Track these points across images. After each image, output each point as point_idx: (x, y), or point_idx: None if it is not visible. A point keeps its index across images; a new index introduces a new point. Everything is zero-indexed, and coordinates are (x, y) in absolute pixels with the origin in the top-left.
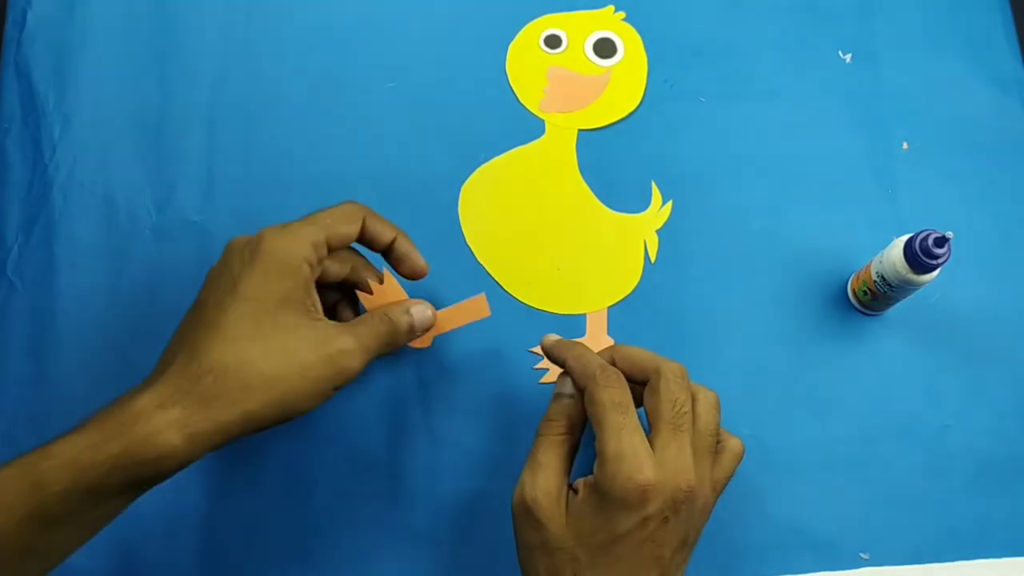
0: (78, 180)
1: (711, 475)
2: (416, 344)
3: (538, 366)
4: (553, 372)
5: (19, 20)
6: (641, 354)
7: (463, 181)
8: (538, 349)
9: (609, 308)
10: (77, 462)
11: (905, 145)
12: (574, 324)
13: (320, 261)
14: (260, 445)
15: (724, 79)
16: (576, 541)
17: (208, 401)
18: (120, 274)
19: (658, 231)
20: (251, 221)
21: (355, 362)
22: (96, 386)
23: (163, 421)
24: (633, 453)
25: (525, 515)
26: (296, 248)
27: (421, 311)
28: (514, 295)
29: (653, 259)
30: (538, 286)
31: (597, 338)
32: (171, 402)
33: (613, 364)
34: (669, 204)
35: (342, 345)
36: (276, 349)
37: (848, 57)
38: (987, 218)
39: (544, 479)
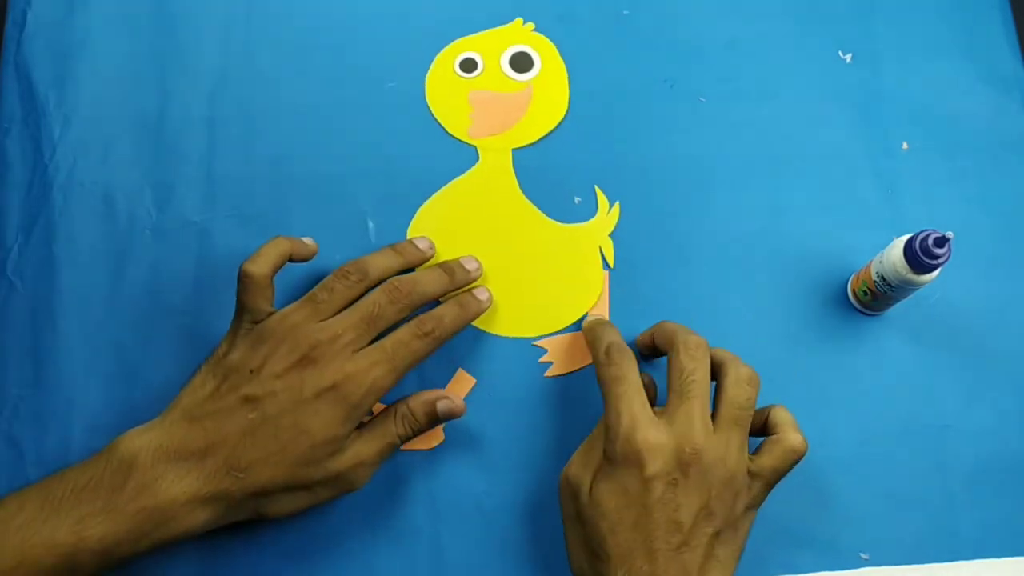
0: (78, 180)
1: (746, 452)
2: (421, 446)
3: (543, 359)
4: (558, 365)
5: (19, 20)
6: (669, 328)
7: (407, 224)
8: (543, 343)
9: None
10: (113, 553)
11: (905, 145)
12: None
13: None
14: None
15: (724, 79)
16: (596, 510)
17: (235, 508)
18: (120, 274)
19: (612, 234)
20: (251, 221)
21: (361, 483)
22: (96, 386)
23: (199, 519)
24: (631, 416)
25: (564, 488)
26: (369, 401)
27: (446, 405)
28: (482, 328)
29: (612, 264)
30: (504, 314)
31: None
32: (206, 502)
33: (652, 339)
34: (616, 206)
35: (350, 477)
36: (299, 486)
37: (848, 57)
38: (987, 218)
39: (586, 457)
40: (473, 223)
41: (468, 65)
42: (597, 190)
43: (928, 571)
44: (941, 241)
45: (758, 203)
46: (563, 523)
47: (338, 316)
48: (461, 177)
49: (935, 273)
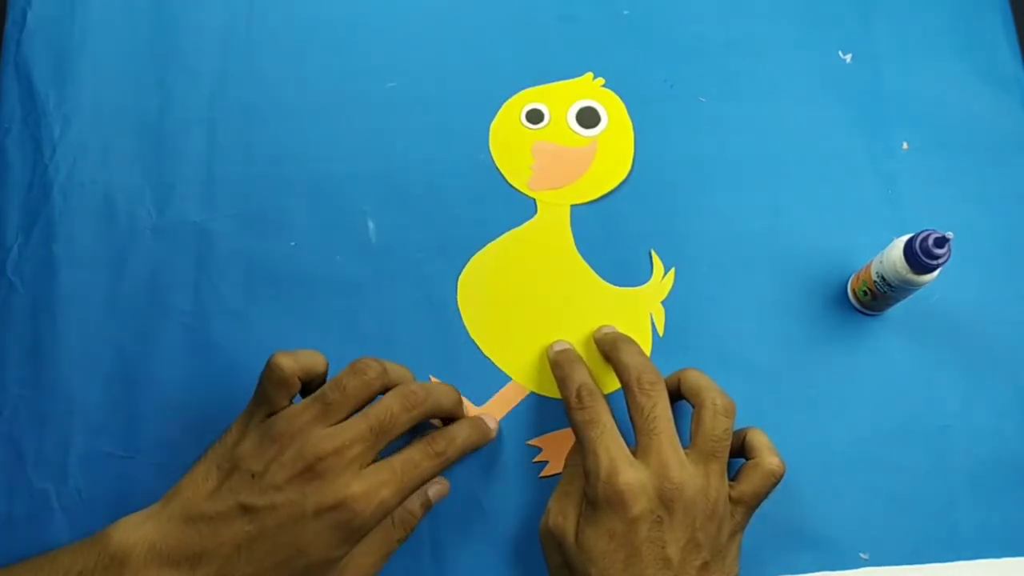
0: (78, 180)
1: (725, 480)
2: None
3: (538, 458)
4: (554, 465)
5: (19, 20)
6: (624, 363)
7: (458, 272)
8: (537, 441)
9: None
10: None
11: (905, 145)
12: None
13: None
14: None
15: (724, 79)
16: (584, 556)
17: None
18: (120, 274)
19: (663, 302)
20: (251, 221)
21: None
22: (96, 386)
23: None
24: (608, 460)
25: (547, 539)
26: (374, 523)
27: (436, 491)
28: (524, 384)
29: (661, 332)
30: (541, 371)
31: None
32: None
33: (679, 387)
34: (672, 273)
35: None
36: None
37: (848, 57)
38: (987, 218)
39: (562, 505)
40: (525, 276)
41: (534, 116)
42: (653, 255)
43: (928, 571)
44: (941, 241)
45: (758, 203)
46: (550, 574)
47: (348, 423)
48: (517, 229)
49: (935, 273)
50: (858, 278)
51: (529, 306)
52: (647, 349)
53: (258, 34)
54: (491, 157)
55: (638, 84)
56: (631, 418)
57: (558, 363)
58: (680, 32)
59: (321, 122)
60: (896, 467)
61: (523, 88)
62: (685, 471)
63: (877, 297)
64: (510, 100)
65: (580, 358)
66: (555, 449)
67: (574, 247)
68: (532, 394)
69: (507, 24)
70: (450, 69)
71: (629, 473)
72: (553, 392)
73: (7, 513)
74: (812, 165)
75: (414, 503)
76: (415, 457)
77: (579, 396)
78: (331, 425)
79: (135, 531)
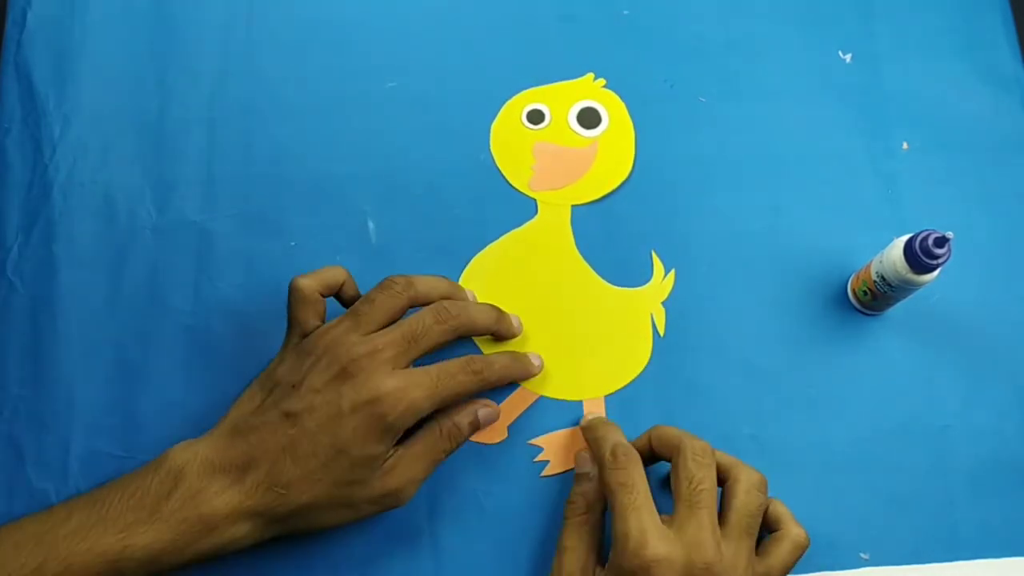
0: (78, 180)
1: (755, 559)
2: (485, 440)
3: (538, 458)
4: (555, 465)
5: (19, 20)
6: (670, 433)
7: (459, 271)
8: (538, 441)
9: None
10: (157, 562)
11: (905, 145)
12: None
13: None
14: None
15: (724, 79)
16: None
17: (276, 523)
18: (120, 274)
19: (664, 302)
20: (251, 221)
21: (407, 499)
22: (96, 386)
23: (241, 531)
24: (640, 530)
25: None
26: (406, 421)
27: (486, 413)
28: (525, 385)
29: (662, 332)
30: (549, 373)
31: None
32: (248, 516)
33: (650, 444)
34: (672, 274)
35: (397, 495)
36: (342, 504)
37: (848, 57)
38: (987, 218)
39: (570, 561)
40: (526, 277)
41: (535, 116)
42: (654, 256)
43: (928, 571)
44: (941, 241)
45: (758, 203)
46: None
47: (381, 331)
48: (518, 229)
49: (935, 273)
50: (858, 278)
51: (529, 304)
52: (647, 350)
53: (258, 34)
54: (492, 157)
55: (638, 84)
56: (675, 485)
57: (591, 426)
58: (680, 32)
59: (321, 122)
60: (896, 467)
61: (523, 88)
62: (718, 551)
63: (877, 297)
64: (511, 100)
65: (612, 422)
66: (556, 449)
67: (575, 247)
68: (541, 399)
69: (507, 24)
70: (450, 69)
71: (660, 546)
72: (560, 395)
73: (7, 513)
74: (812, 165)
75: (463, 419)
76: (451, 368)
77: (614, 455)
78: (364, 335)
79: (189, 449)
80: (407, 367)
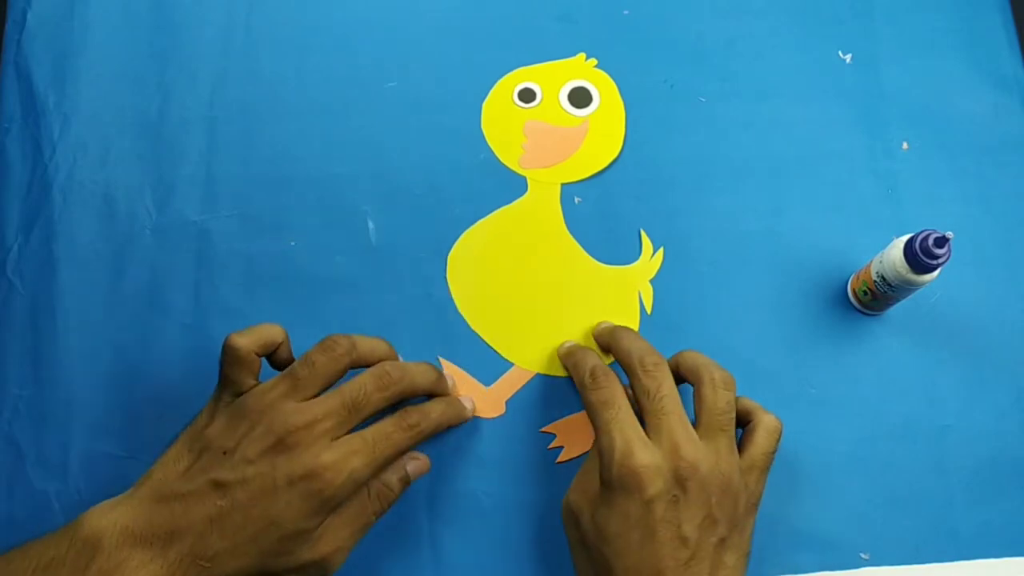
0: (78, 180)
1: (736, 453)
2: (486, 415)
3: (553, 444)
4: (570, 450)
5: (19, 20)
6: (625, 348)
7: (448, 249)
8: (551, 428)
9: None
10: None
11: (905, 145)
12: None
13: None
14: None
15: (724, 79)
16: (599, 535)
17: None
18: (120, 274)
19: (652, 280)
20: (251, 221)
21: (336, 567)
22: (96, 386)
23: None
24: (623, 441)
25: (567, 515)
26: (345, 493)
27: (415, 467)
28: (512, 360)
29: (649, 310)
30: (536, 349)
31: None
32: None
33: (678, 369)
34: (660, 252)
35: (325, 564)
36: (269, 570)
37: (848, 57)
38: (987, 218)
39: (582, 482)
40: (515, 254)
41: (527, 95)
42: (642, 234)
43: (928, 571)
44: (941, 241)
45: (758, 203)
46: (569, 549)
47: (319, 399)
48: (508, 207)
49: (935, 273)
50: (858, 278)
51: (519, 282)
52: (635, 327)
53: (258, 34)
54: (493, 155)
55: (638, 84)
56: (638, 401)
57: (569, 352)
58: (680, 32)
59: (321, 122)
60: (896, 467)
61: (515, 68)
62: (697, 449)
63: (877, 297)
64: (503, 79)
65: (587, 347)
66: (570, 434)
67: (564, 225)
68: (538, 376)
69: (507, 24)
70: (449, 70)
71: (644, 454)
72: (551, 370)
73: (7, 513)
74: (812, 165)
75: (391, 477)
76: (387, 429)
77: (593, 376)
78: (302, 401)
79: (107, 515)
80: (345, 435)
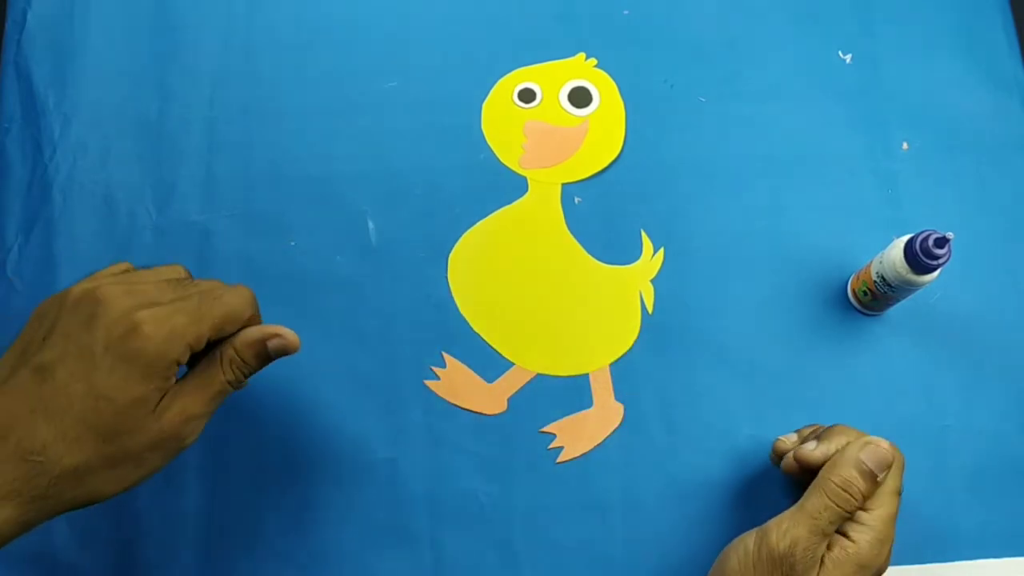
0: (78, 180)
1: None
2: (484, 411)
3: (553, 445)
4: (569, 450)
5: (19, 20)
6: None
7: (448, 249)
8: (550, 428)
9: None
10: None
11: (905, 145)
12: (578, 385)
13: (190, 353)
14: (260, 445)
15: (724, 79)
16: None
17: (43, 499)
18: None
19: (652, 280)
20: (251, 221)
21: (192, 439)
22: None
23: (2, 518)
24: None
25: (772, 559)
26: (170, 349)
27: (277, 343)
28: (513, 361)
29: (650, 310)
30: (537, 350)
31: (604, 403)
32: (4, 499)
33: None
34: (661, 252)
35: (178, 436)
36: (118, 460)
37: (848, 57)
38: (987, 218)
39: (812, 536)
40: (516, 254)
41: (527, 95)
42: (643, 235)
43: (928, 571)
44: (941, 241)
45: (758, 203)
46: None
47: (138, 277)
48: (508, 207)
49: (935, 273)
50: (858, 278)
51: (519, 283)
52: (636, 327)
53: (258, 34)
54: (493, 155)
55: (638, 84)
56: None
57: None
58: (680, 32)
59: (321, 122)
60: None
61: (515, 68)
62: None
63: (877, 297)
64: (502, 79)
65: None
66: (570, 434)
67: (564, 225)
68: (539, 376)
69: (507, 24)
70: (449, 70)
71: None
72: (550, 370)
73: None
74: (812, 165)
75: (246, 350)
76: (216, 290)
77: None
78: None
79: None
80: None
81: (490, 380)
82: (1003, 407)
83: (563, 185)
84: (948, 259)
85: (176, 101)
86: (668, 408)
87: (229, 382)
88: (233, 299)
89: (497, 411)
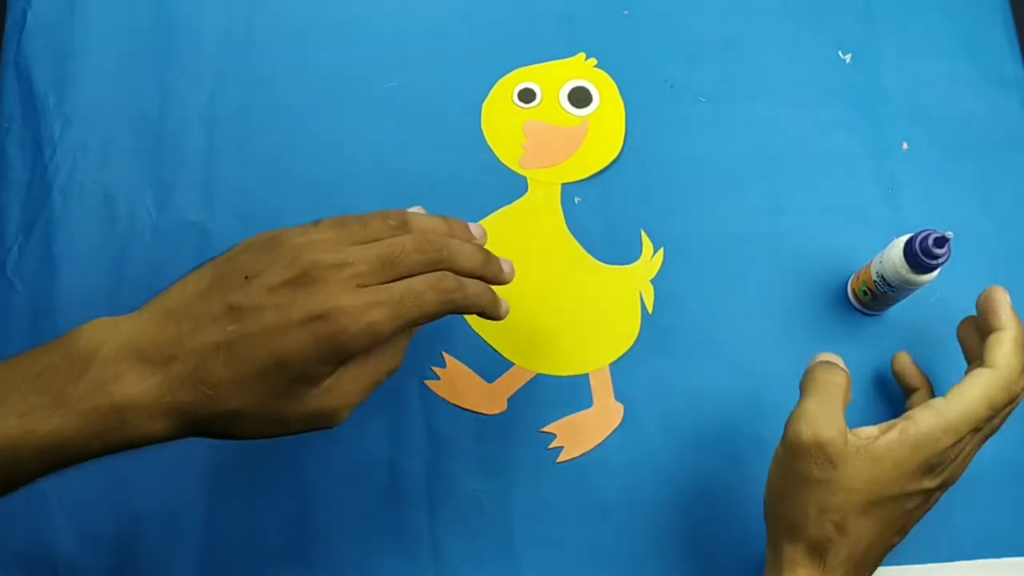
0: (78, 180)
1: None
2: (483, 410)
3: (553, 444)
4: (569, 450)
5: (19, 20)
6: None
7: None
8: (551, 428)
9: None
10: (60, 452)
11: (905, 145)
12: (578, 385)
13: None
14: (260, 445)
15: (724, 79)
16: (867, 485)
17: (194, 424)
18: (120, 274)
19: (652, 280)
20: (251, 221)
21: (339, 422)
22: None
23: (156, 428)
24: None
25: (815, 450)
26: (359, 343)
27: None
28: (513, 361)
29: (650, 310)
30: (537, 350)
31: (604, 403)
32: (167, 413)
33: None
34: (661, 252)
35: (331, 417)
36: (271, 418)
37: (848, 57)
38: (987, 218)
39: (832, 418)
40: (515, 254)
41: (526, 95)
42: (643, 235)
43: (928, 571)
44: (941, 241)
45: (758, 203)
46: (784, 480)
47: (356, 247)
48: (508, 207)
49: (935, 273)
50: (858, 278)
51: (519, 281)
52: (636, 327)
53: (258, 35)
54: (493, 155)
55: (638, 84)
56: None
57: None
58: (680, 32)
59: (321, 122)
60: None
61: (515, 68)
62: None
63: (877, 297)
64: (502, 79)
65: None
66: (570, 434)
67: (564, 224)
68: (538, 376)
69: (507, 24)
70: (449, 71)
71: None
72: (551, 370)
73: (7, 513)
74: (812, 165)
75: (403, 336)
76: (418, 287)
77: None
78: (338, 245)
79: (107, 328)
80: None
81: (490, 380)
82: None
83: (563, 185)
84: (948, 259)
85: (176, 102)
86: (668, 408)
87: (388, 372)
88: (432, 302)
89: (497, 411)
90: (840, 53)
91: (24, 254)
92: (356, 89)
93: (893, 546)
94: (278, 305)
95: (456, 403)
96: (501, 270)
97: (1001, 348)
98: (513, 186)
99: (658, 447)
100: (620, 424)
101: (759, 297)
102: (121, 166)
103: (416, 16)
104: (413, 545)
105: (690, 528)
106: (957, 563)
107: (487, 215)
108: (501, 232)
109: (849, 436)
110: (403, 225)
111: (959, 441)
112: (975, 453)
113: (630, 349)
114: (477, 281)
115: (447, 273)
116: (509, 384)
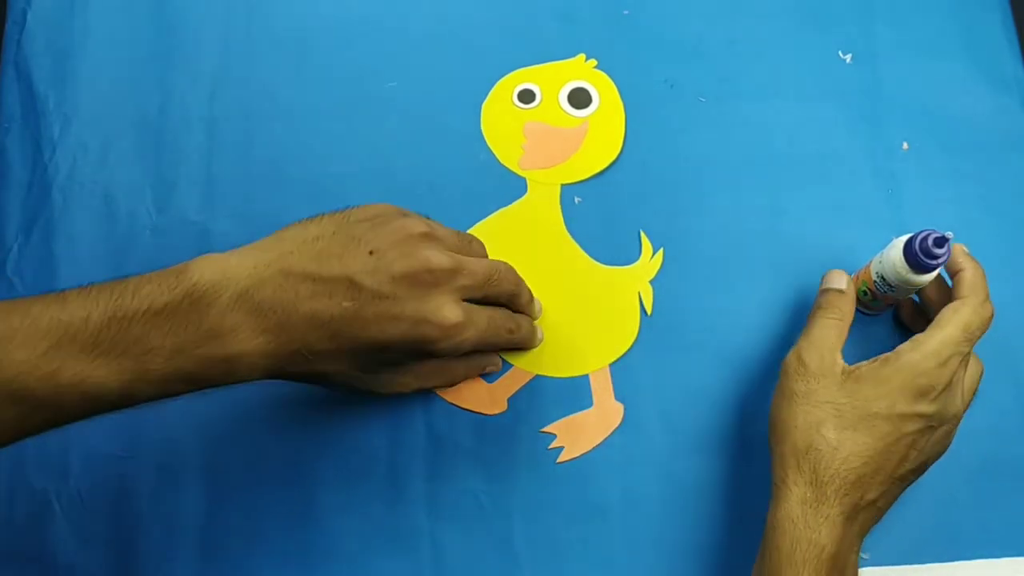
0: (78, 180)
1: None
2: (482, 410)
3: (553, 445)
4: (570, 450)
5: (19, 20)
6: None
7: None
8: (551, 428)
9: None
10: (169, 391)
11: (905, 145)
12: (578, 385)
13: None
14: (260, 445)
15: (724, 79)
16: (850, 399)
17: (284, 374)
18: (120, 274)
19: (652, 281)
20: (251, 221)
21: (389, 393)
22: None
23: (255, 375)
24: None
25: (798, 367)
26: (458, 350)
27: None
28: (512, 362)
29: (649, 311)
30: (537, 350)
31: (604, 403)
32: (269, 366)
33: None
34: (660, 252)
35: (399, 391)
36: (351, 384)
37: (848, 57)
38: (987, 218)
39: (821, 343)
40: (515, 255)
41: (526, 96)
42: (642, 235)
43: (928, 571)
44: (941, 241)
45: (758, 203)
46: (778, 400)
47: (472, 259)
48: (508, 208)
49: (935, 273)
50: (858, 278)
51: None
52: (635, 328)
53: (258, 34)
54: (493, 156)
55: (638, 84)
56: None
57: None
58: (680, 32)
59: (321, 122)
60: None
61: (515, 69)
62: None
63: (877, 297)
64: (502, 80)
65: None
66: (570, 434)
67: (563, 226)
68: (538, 377)
69: (507, 25)
70: (449, 71)
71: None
72: (550, 371)
73: (7, 513)
74: (812, 165)
75: (459, 366)
76: (499, 322)
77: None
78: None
79: (226, 270)
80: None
81: (490, 380)
82: (1004, 407)
83: (562, 186)
84: (948, 259)
85: (176, 101)
86: (668, 408)
87: (435, 385)
88: (503, 339)
89: (497, 411)
90: (840, 53)
91: (24, 254)
92: (356, 89)
93: (904, 479)
94: (395, 296)
95: (456, 403)
96: (536, 308)
97: (965, 281)
98: (512, 187)
99: (658, 447)
100: (620, 424)
101: (759, 297)
102: (121, 166)
103: (416, 16)
104: (413, 545)
105: (690, 528)
106: (957, 563)
107: (486, 216)
108: (500, 233)
109: (838, 360)
110: (518, 284)
111: (943, 365)
112: (971, 386)
113: (630, 349)
114: (525, 321)
115: (509, 312)
116: (509, 384)
